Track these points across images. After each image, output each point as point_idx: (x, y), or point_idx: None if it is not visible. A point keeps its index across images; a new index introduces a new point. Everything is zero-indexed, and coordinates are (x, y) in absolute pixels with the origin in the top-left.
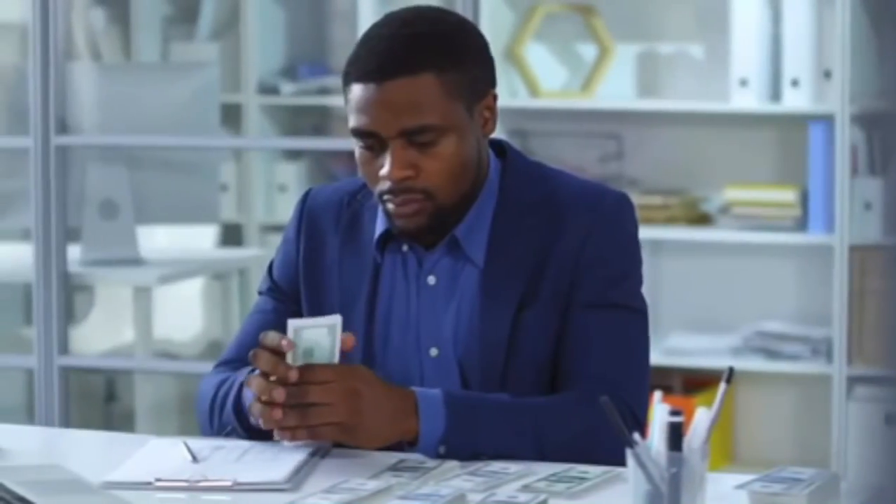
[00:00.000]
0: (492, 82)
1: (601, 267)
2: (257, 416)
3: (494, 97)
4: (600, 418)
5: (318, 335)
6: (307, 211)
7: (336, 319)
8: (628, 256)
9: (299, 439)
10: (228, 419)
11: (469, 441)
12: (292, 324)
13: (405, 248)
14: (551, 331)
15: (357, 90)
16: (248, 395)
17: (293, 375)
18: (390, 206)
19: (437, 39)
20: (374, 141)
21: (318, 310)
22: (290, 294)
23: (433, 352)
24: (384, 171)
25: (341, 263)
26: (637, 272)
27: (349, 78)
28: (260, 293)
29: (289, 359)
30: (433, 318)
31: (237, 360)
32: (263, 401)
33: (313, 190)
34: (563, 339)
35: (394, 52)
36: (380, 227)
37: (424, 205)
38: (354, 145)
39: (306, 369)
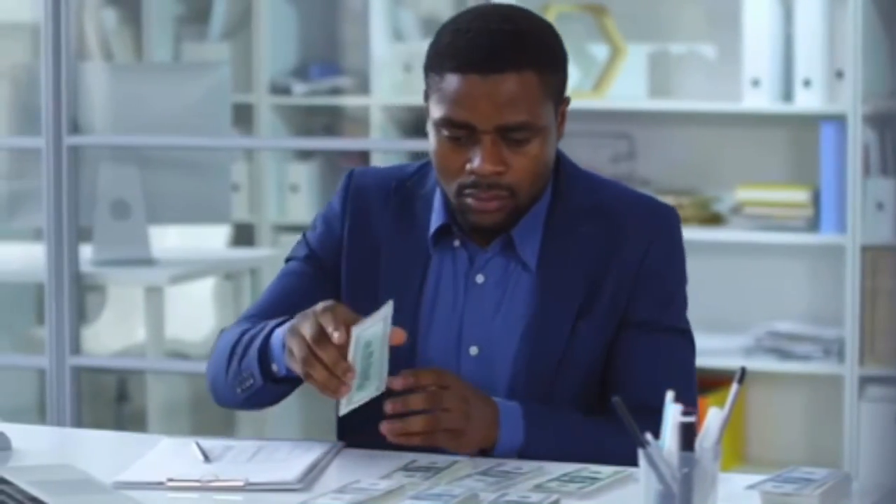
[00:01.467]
0: (566, 88)
1: (658, 284)
2: (390, 434)
3: (567, 104)
4: None
5: (375, 329)
6: (354, 189)
7: (388, 310)
8: (680, 274)
9: (413, 443)
10: (250, 364)
11: (542, 455)
12: (356, 332)
13: (456, 243)
14: (604, 344)
15: (454, 80)
16: (277, 345)
17: (398, 384)
18: (471, 200)
19: (539, 39)
20: (464, 133)
21: (360, 287)
22: (328, 266)
23: (473, 350)
24: (475, 164)
25: (390, 247)
26: (685, 290)
27: (443, 67)
28: (289, 260)
29: (349, 356)
30: (477, 317)
31: (259, 316)
32: (391, 409)
33: (358, 170)
34: (613, 358)
35: (501, 46)
36: (437, 220)
37: (507, 202)
38: (433, 135)
39: (423, 374)
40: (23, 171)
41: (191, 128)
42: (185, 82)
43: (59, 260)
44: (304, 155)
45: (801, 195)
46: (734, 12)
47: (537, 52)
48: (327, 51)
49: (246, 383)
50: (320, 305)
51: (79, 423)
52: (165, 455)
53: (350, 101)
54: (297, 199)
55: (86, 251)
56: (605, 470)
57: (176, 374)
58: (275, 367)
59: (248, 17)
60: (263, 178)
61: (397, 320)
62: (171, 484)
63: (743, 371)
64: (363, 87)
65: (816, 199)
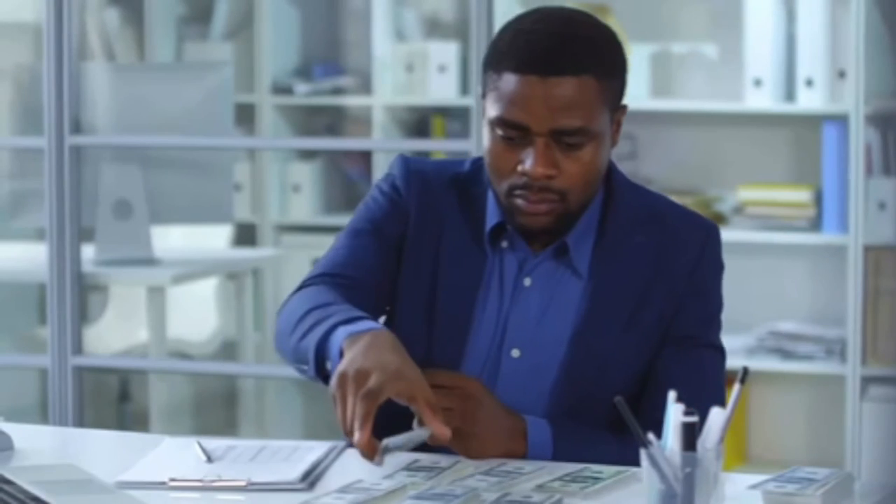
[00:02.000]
0: (625, 95)
1: (703, 300)
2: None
3: (624, 113)
4: None
5: (400, 441)
6: (414, 171)
7: (424, 435)
8: (720, 291)
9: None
10: (307, 352)
11: None
12: (384, 443)
13: (505, 244)
14: (649, 355)
15: (511, 80)
16: (335, 346)
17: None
18: (521, 201)
19: (599, 44)
20: (519, 133)
21: (420, 267)
22: (392, 240)
23: (515, 353)
24: (527, 166)
25: (452, 237)
26: (721, 309)
27: (502, 66)
28: (349, 233)
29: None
30: (523, 320)
31: (329, 275)
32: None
33: (412, 159)
34: (653, 370)
35: (561, 49)
36: (491, 219)
37: (557, 206)
38: (487, 133)
39: (428, 375)
40: (25, 170)
41: (193, 128)
42: (188, 82)
43: (61, 260)
44: (307, 155)
45: (803, 195)
46: (736, 12)
47: (598, 58)
48: (329, 51)
49: (302, 366)
50: (374, 379)
51: (81, 422)
52: (167, 455)
53: (352, 101)
54: (300, 199)
55: (88, 251)
56: (608, 470)
57: (178, 374)
58: (328, 366)
59: (251, 17)
60: (266, 178)
61: (452, 317)
62: (173, 484)
63: (745, 371)
64: (365, 86)
65: (818, 199)
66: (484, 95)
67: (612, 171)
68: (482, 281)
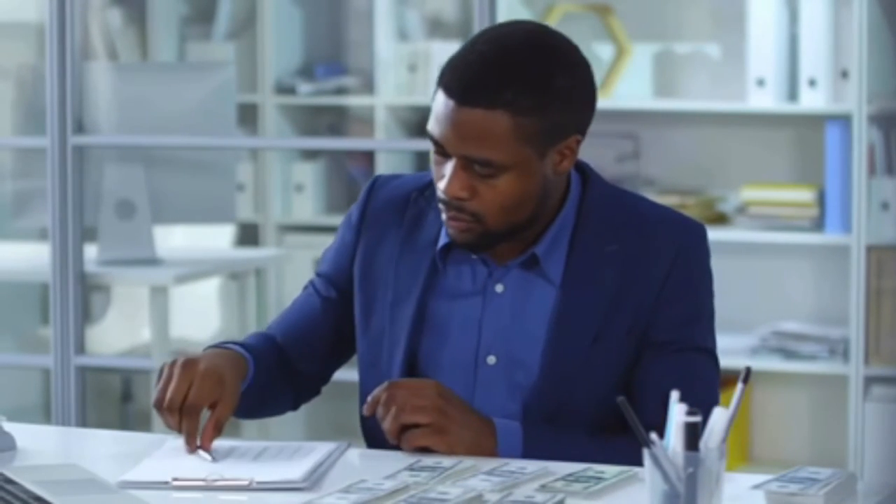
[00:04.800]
0: (578, 127)
1: (681, 303)
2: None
3: (578, 141)
4: None
5: None
6: (372, 200)
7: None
8: (706, 293)
9: (404, 446)
10: None
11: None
12: None
13: (474, 255)
14: (622, 367)
15: (440, 98)
16: None
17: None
18: (444, 216)
19: (524, 80)
20: (441, 149)
21: (370, 304)
22: (337, 281)
23: (491, 360)
24: (442, 183)
25: (399, 260)
26: (710, 309)
27: (439, 80)
28: (316, 274)
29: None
30: (496, 327)
31: (275, 335)
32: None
33: (381, 178)
34: (637, 381)
35: (480, 81)
36: (445, 235)
37: (473, 226)
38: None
39: (395, 383)
40: (28, 170)
41: (196, 128)
42: (190, 82)
43: (63, 259)
44: (310, 155)
45: (805, 195)
46: (739, 12)
47: (517, 95)
48: (332, 51)
49: None
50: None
51: (83, 422)
52: (170, 455)
53: (355, 101)
54: (303, 199)
55: (91, 251)
56: (611, 470)
57: None
58: None
59: (254, 17)
60: (268, 178)
61: (398, 328)
62: (176, 483)
63: (748, 371)
64: (368, 86)
65: (821, 199)
66: None
67: (588, 179)
68: (431, 288)
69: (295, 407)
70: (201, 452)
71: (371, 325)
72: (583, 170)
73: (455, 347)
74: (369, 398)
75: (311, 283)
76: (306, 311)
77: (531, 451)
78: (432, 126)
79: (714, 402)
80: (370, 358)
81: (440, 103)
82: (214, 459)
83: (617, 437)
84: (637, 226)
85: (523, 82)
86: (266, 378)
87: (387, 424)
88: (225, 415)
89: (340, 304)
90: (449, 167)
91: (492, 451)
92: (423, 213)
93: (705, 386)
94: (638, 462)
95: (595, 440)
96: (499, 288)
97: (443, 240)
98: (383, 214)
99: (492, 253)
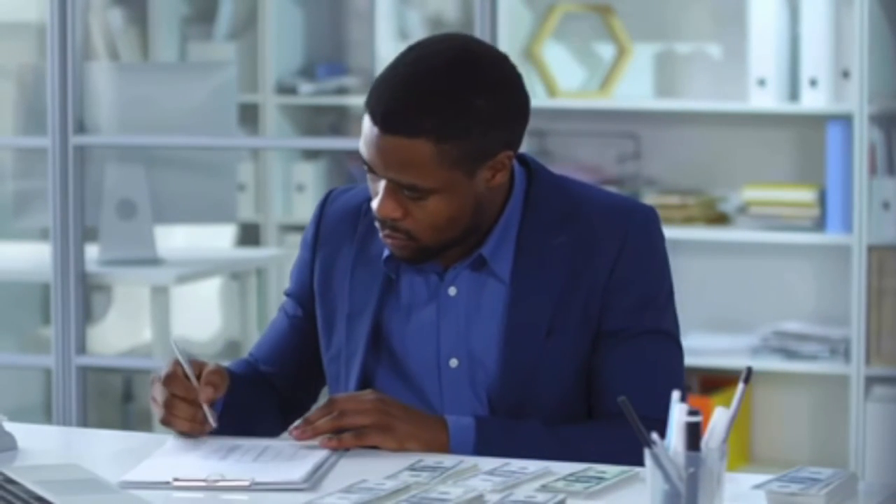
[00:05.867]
0: (508, 143)
1: (631, 289)
2: (299, 438)
3: (510, 156)
4: (631, 456)
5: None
6: (325, 215)
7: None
8: (658, 275)
9: (344, 445)
10: None
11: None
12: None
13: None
14: (580, 358)
15: (366, 122)
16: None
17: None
18: (380, 233)
19: (445, 106)
20: (372, 169)
21: (330, 318)
22: (302, 299)
23: (453, 362)
24: (375, 203)
25: (353, 273)
26: (666, 290)
27: (366, 103)
28: (285, 294)
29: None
30: (454, 329)
31: (255, 360)
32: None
33: (334, 192)
34: (595, 370)
35: (398, 108)
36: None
37: (408, 243)
38: None
39: (331, 397)
40: (29, 170)
41: (197, 128)
42: (192, 82)
43: (65, 259)
44: (311, 154)
45: (807, 195)
46: (740, 12)
47: (437, 122)
48: (333, 51)
49: None
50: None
51: (85, 422)
52: (171, 455)
53: (356, 101)
54: (304, 199)
55: (92, 251)
56: (612, 470)
57: None
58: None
59: (255, 17)
60: (269, 178)
61: (356, 342)
62: (176, 483)
63: (749, 371)
64: (369, 86)
65: (822, 199)
66: None
67: (532, 173)
68: (387, 299)
69: (285, 428)
70: (205, 407)
71: (332, 341)
72: (527, 163)
73: (417, 355)
74: (299, 421)
75: (283, 303)
76: (280, 334)
77: (484, 444)
78: (361, 147)
79: (676, 382)
80: (333, 373)
81: (366, 127)
82: (215, 421)
83: (576, 427)
84: (583, 216)
85: (444, 109)
86: (246, 398)
87: (324, 423)
88: (217, 371)
89: (308, 322)
90: (381, 186)
91: (444, 446)
92: (374, 225)
93: (664, 368)
94: (595, 451)
95: (552, 431)
96: (451, 291)
97: (388, 251)
98: (337, 229)
99: (440, 257)
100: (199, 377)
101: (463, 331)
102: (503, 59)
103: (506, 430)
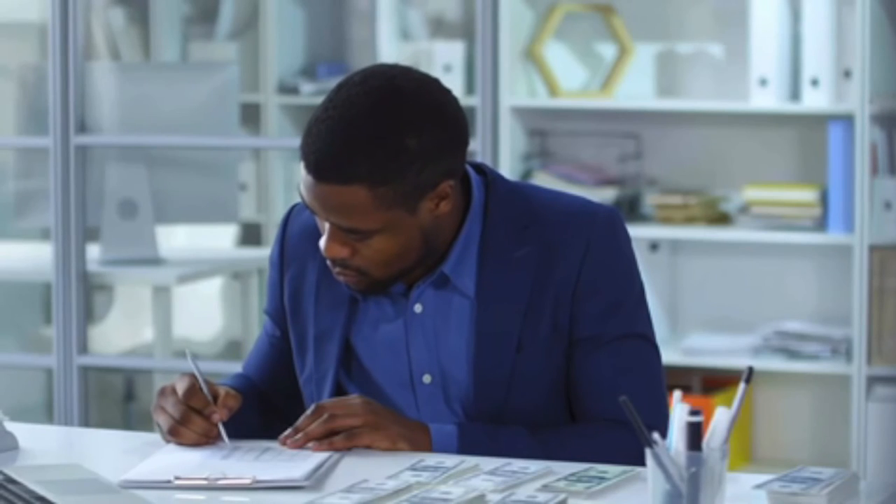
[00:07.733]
0: (447, 173)
1: (600, 295)
2: (291, 445)
3: (451, 186)
4: (615, 455)
5: None
6: (288, 234)
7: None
8: (626, 278)
9: (336, 447)
10: None
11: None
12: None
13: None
14: (554, 368)
15: (302, 167)
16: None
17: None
18: (332, 270)
19: (374, 152)
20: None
21: (302, 342)
22: (277, 319)
23: (426, 378)
24: (321, 243)
25: (318, 294)
26: (636, 292)
27: (300, 147)
28: (264, 312)
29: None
30: (424, 346)
31: (244, 374)
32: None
33: (296, 208)
34: (572, 378)
35: (328, 157)
36: None
37: (360, 278)
38: None
39: (319, 403)
40: (30, 170)
41: (198, 127)
42: (193, 82)
43: (66, 259)
44: None
45: (808, 195)
46: (741, 12)
47: (369, 167)
48: (335, 50)
49: None
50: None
51: (86, 422)
52: (173, 454)
53: None
54: None
55: (93, 250)
56: (613, 469)
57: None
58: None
59: (256, 17)
60: (271, 178)
61: (326, 363)
62: (178, 483)
63: (750, 370)
64: None
65: (824, 199)
66: None
67: (490, 182)
68: (354, 319)
69: None
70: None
71: (305, 361)
72: (483, 171)
73: (389, 372)
74: (289, 430)
75: (264, 322)
76: (263, 353)
77: (467, 450)
78: (301, 190)
79: (655, 384)
80: (308, 395)
81: (302, 173)
82: (227, 439)
83: (559, 430)
84: (544, 224)
85: (374, 154)
86: (252, 419)
87: (315, 427)
88: (235, 396)
89: (286, 342)
90: (326, 227)
91: (426, 442)
92: None
93: (641, 371)
94: (579, 454)
95: (534, 434)
96: (417, 308)
97: None
98: (300, 246)
99: (403, 279)
100: (213, 397)
101: (433, 347)
102: (431, 88)
103: (488, 435)
